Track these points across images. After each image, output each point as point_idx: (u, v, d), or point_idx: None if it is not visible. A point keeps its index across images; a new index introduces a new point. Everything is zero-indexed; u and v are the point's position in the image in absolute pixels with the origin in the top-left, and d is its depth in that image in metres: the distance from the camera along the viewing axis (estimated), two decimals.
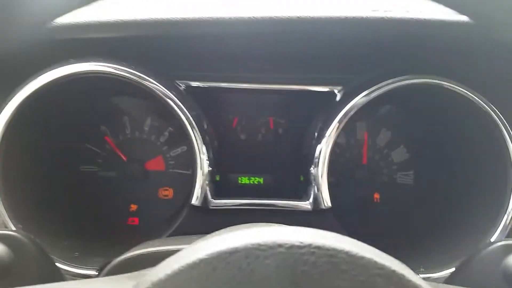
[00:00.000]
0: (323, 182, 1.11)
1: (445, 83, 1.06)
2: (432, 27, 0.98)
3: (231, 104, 1.40)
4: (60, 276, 0.71)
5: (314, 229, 0.42)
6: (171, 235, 1.07)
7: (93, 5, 1.02)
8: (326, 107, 1.21)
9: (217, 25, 1.00)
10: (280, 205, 1.15)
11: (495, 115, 1.06)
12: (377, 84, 1.09)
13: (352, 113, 1.10)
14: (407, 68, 1.11)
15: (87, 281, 0.68)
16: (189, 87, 1.20)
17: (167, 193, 1.39)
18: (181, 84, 1.19)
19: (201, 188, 1.08)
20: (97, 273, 0.67)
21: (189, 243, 0.57)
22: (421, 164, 1.41)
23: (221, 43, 1.09)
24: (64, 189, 1.27)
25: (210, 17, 0.99)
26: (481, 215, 1.10)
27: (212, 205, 1.11)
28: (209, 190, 1.10)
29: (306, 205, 1.14)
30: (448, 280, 0.77)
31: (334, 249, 0.38)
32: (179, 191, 1.39)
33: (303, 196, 1.17)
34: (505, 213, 1.03)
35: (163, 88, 1.05)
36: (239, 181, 1.38)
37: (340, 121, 1.10)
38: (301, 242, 0.38)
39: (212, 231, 0.64)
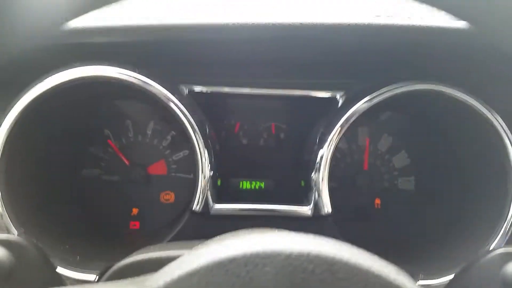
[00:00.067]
0: (323, 188, 1.11)
1: (446, 90, 1.06)
2: (433, 34, 0.98)
3: (233, 109, 1.41)
4: (60, 282, 0.71)
5: (313, 236, 0.43)
6: (172, 239, 1.08)
7: (99, 10, 1.03)
8: (328, 112, 1.21)
9: (221, 31, 1.01)
10: (280, 210, 1.15)
11: (496, 122, 1.06)
12: (379, 90, 1.10)
13: (353, 119, 1.10)
14: (409, 74, 1.11)
15: (87, 286, 0.69)
16: (192, 91, 1.20)
17: (169, 197, 1.39)
18: (184, 89, 1.20)
19: (202, 193, 1.09)
20: (97, 278, 0.67)
21: (189, 249, 0.58)
22: (422, 169, 1.42)
23: (224, 49, 1.09)
24: (66, 192, 1.27)
25: (214, 23, 1.00)
26: (481, 222, 1.10)
27: (213, 210, 1.12)
28: (211, 195, 1.10)
29: (306, 210, 1.14)
30: (447, 287, 0.77)
31: (332, 257, 0.38)
32: (181, 195, 1.39)
33: (304, 201, 1.17)
34: (505, 220, 1.03)
35: (166, 92, 1.06)
36: (240, 186, 1.38)
37: (341, 127, 1.11)
38: (300, 250, 0.38)
39: (213, 236, 0.65)
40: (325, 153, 1.11)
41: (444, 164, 1.33)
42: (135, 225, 1.37)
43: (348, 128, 1.11)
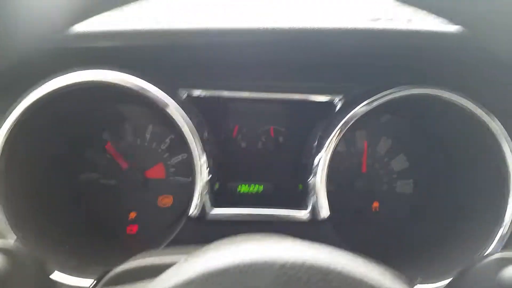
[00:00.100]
0: (321, 192, 1.11)
1: (443, 94, 1.07)
2: (429, 38, 0.98)
3: (232, 113, 1.40)
4: None
5: (308, 244, 0.43)
6: (169, 244, 1.08)
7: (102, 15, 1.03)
8: (326, 116, 1.21)
9: (220, 35, 1.02)
10: (278, 215, 1.15)
11: (493, 126, 1.06)
12: (377, 94, 1.10)
13: (351, 123, 1.11)
14: (407, 78, 1.11)
15: None
16: (191, 95, 1.21)
17: (167, 200, 1.39)
18: (183, 92, 1.20)
19: (200, 197, 1.09)
20: (94, 284, 0.67)
21: (186, 255, 0.58)
22: (420, 173, 1.42)
23: (224, 53, 1.10)
24: (64, 196, 1.27)
25: (215, 28, 1.00)
26: (478, 226, 1.10)
27: (210, 215, 1.12)
28: (208, 199, 1.10)
29: (304, 215, 1.14)
30: None
31: (327, 267, 0.38)
32: (179, 199, 1.39)
33: (302, 205, 1.17)
34: (502, 224, 1.03)
35: (164, 96, 1.06)
36: (239, 189, 1.38)
37: (339, 131, 1.11)
38: (295, 260, 0.38)
39: (211, 241, 0.65)
40: (323, 157, 1.11)
41: (442, 167, 1.33)
42: (132, 229, 1.37)
43: (346, 132, 1.11)
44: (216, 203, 1.13)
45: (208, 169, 1.09)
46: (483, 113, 1.06)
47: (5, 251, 0.58)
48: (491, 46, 0.61)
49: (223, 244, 0.55)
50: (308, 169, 1.14)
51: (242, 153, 1.41)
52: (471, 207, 1.18)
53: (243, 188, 1.38)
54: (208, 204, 1.11)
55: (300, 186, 1.27)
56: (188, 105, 1.16)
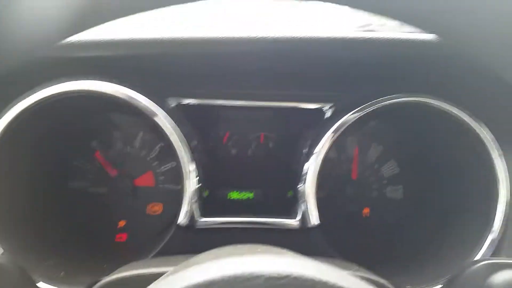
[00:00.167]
0: (311, 199, 1.11)
1: (431, 101, 1.07)
2: (417, 47, 0.99)
3: (222, 120, 1.40)
4: None
5: (293, 256, 0.42)
6: (157, 254, 1.07)
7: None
8: (316, 124, 1.21)
9: (209, 44, 1.02)
10: (267, 222, 1.15)
11: (481, 132, 1.07)
12: (365, 103, 1.10)
13: (341, 131, 1.11)
14: (396, 87, 1.12)
15: None
16: (180, 104, 1.20)
17: (156, 208, 1.38)
18: (172, 101, 1.19)
19: (188, 206, 1.08)
20: None
21: (173, 265, 0.57)
22: (410, 179, 1.42)
23: (214, 62, 1.10)
24: (52, 204, 1.26)
25: (205, 37, 1.01)
26: (468, 232, 1.11)
27: (198, 224, 1.11)
28: (197, 208, 1.10)
29: (293, 223, 1.14)
30: None
31: (312, 280, 0.38)
32: (168, 207, 1.38)
33: (292, 213, 1.17)
34: (492, 230, 1.04)
35: (152, 106, 1.06)
36: (229, 196, 1.38)
37: (328, 139, 1.11)
38: (279, 273, 0.38)
39: (200, 250, 0.64)
40: (313, 164, 1.11)
41: (432, 173, 1.34)
42: (121, 237, 1.36)
43: (336, 139, 1.12)
44: (206, 211, 1.13)
45: (198, 177, 1.09)
46: (472, 119, 1.07)
47: None
48: (464, 53, 0.62)
49: (209, 256, 0.55)
50: (298, 176, 1.14)
51: (232, 160, 1.41)
52: (461, 212, 1.18)
53: (234, 195, 1.38)
54: (197, 212, 1.10)
55: (290, 193, 1.27)
56: (177, 113, 1.15)
